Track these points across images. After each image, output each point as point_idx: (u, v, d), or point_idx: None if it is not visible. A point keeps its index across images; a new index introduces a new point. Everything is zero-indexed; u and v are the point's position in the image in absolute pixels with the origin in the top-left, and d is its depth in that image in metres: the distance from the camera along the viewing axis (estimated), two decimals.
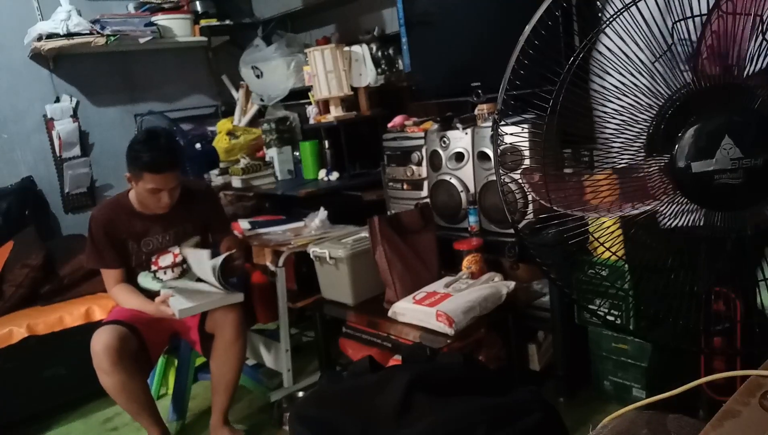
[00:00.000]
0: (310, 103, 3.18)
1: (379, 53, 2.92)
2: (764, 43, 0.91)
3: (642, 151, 1.01)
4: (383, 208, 2.74)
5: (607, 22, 0.93)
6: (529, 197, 1.99)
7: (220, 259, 2.05)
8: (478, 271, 2.19)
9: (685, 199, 0.98)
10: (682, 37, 0.95)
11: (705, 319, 1.09)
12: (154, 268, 2.19)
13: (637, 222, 0.99)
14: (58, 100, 3.24)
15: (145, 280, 2.20)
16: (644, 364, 1.99)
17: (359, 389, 1.05)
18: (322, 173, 3.08)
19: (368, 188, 2.90)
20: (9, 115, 3.14)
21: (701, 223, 1.00)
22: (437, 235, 2.32)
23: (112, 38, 3.03)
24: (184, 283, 2.18)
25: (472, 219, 2.31)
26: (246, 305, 2.19)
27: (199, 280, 2.19)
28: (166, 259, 2.20)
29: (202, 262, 2.11)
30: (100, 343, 1.97)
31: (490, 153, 2.19)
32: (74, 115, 3.27)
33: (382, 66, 2.92)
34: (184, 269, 2.23)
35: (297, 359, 2.51)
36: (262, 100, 3.43)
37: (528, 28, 1.00)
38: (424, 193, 2.52)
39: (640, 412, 0.91)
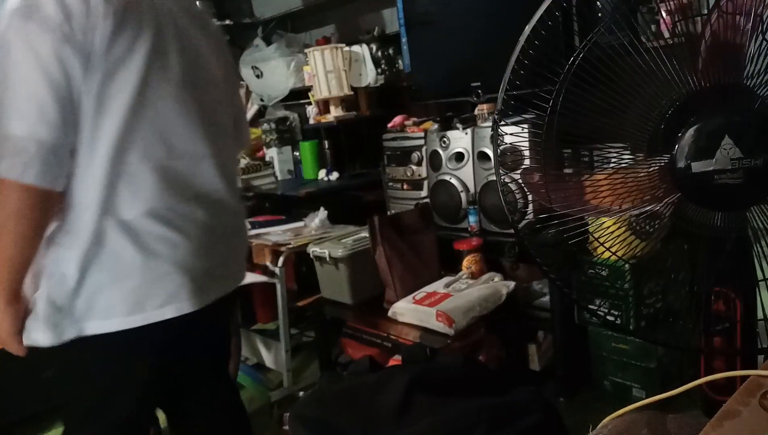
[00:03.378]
0: (310, 103, 3.18)
1: (379, 53, 2.92)
2: (764, 43, 0.91)
3: (642, 151, 1.01)
4: (383, 208, 2.74)
5: (607, 22, 0.93)
6: (529, 197, 1.99)
7: None
8: (478, 271, 2.19)
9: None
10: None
11: (705, 319, 1.09)
12: None
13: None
14: None
15: None
16: (644, 364, 1.99)
17: (359, 389, 1.05)
18: (322, 173, 3.08)
19: (368, 188, 2.90)
20: None
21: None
22: (437, 235, 2.31)
23: None
24: None
25: (472, 219, 2.31)
26: (246, 305, 2.19)
27: None
28: None
29: None
30: None
31: (490, 153, 2.19)
32: None
33: (382, 66, 2.92)
34: None
35: (297, 359, 2.51)
36: (262, 100, 3.43)
37: (528, 28, 1.00)
38: (424, 193, 2.52)
39: (640, 412, 0.91)
